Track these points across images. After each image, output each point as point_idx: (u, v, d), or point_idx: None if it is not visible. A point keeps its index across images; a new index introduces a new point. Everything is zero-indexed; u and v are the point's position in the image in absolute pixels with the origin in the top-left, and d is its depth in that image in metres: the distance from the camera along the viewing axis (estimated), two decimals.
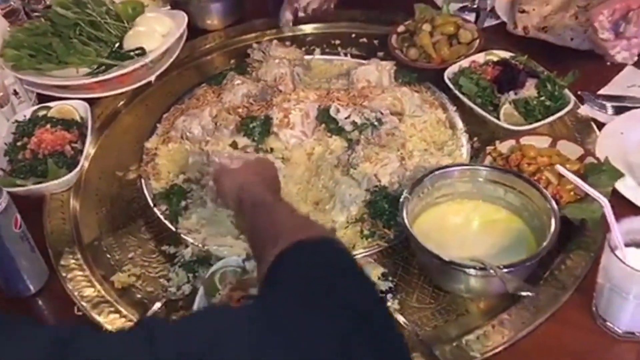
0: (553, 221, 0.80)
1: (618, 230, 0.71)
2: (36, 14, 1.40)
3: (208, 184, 0.92)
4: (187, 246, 0.92)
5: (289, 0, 1.31)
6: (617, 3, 1.01)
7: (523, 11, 1.24)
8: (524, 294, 0.77)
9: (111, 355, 0.49)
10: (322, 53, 1.28)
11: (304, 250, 0.59)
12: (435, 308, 0.83)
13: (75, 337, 0.49)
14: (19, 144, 1.05)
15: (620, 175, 0.89)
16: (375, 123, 1.01)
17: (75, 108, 1.12)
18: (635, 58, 1.04)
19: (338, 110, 1.01)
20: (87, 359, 0.48)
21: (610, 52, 1.03)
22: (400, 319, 0.80)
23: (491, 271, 0.75)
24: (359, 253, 0.89)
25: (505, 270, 0.75)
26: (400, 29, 1.25)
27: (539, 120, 1.02)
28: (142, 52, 1.21)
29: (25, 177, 1.00)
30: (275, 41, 1.27)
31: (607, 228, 0.72)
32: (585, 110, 1.07)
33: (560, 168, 0.83)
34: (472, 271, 0.77)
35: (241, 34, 1.37)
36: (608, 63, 1.10)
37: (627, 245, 0.72)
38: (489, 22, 1.31)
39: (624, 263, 0.69)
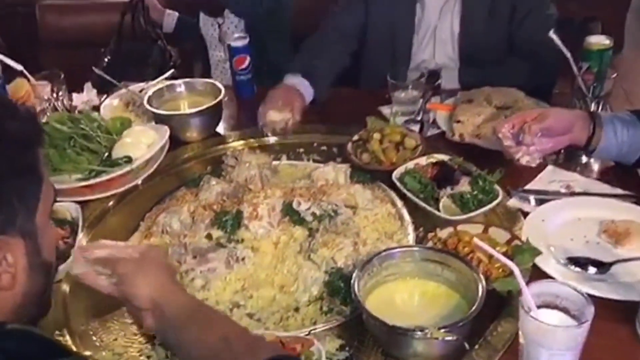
0: (480, 291, 0.94)
1: (528, 292, 0.85)
2: None
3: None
4: None
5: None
6: (515, 118, 1.23)
7: (459, 121, 1.45)
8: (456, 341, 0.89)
9: None
10: (288, 159, 1.46)
11: None
12: None
13: None
14: None
15: (538, 253, 1.05)
16: (332, 214, 1.17)
17: (68, 209, 1.27)
18: (538, 161, 1.23)
19: (300, 204, 1.17)
20: None
21: (515, 157, 1.22)
22: None
23: (430, 333, 0.88)
24: (320, 328, 1.01)
25: (441, 330, 0.88)
26: (355, 137, 1.44)
27: (473, 211, 1.20)
28: (128, 159, 1.38)
29: None
30: (246, 149, 1.45)
31: (520, 292, 0.87)
32: (512, 202, 1.25)
33: (476, 240, 0.99)
34: (415, 334, 0.90)
35: (217, 144, 1.55)
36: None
37: (539, 306, 0.87)
38: (432, 132, 1.52)
39: (533, 317, 0.82)
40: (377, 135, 1.40)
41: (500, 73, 1.59)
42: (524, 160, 1.21)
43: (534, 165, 1.23)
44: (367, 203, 1.24)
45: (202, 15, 2.16)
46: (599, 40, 1.46)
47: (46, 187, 0.77)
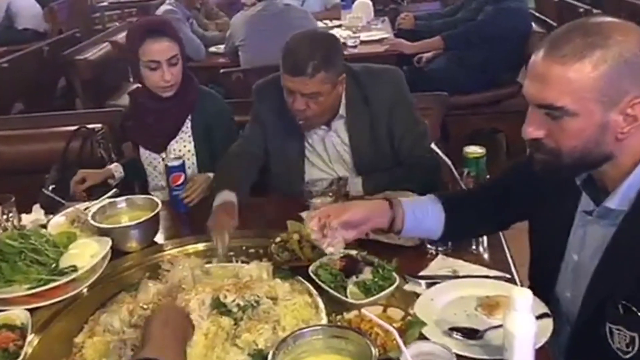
0: (373, 358, 1.14)
1: (407, 352, 1.06)
2: None
3: None
4: None
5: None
6: (320, 213, 1.46)
7: None
8: None
9: None
10: (219, 262, 1.66)
11: None
12: None
13: None
14: None
15: (424, 324, 1.27)
16: (255, 304, 1.35)
17: (18, 316, 1.41)
18: (341, 248, 1.46)
19: (226, 297, 1.36)
20: None
21: (322, 247, 1.45)
22: None
23: None
24: None
25: None
26: (277, 239, 1.66)
27: (374, 295, 1.42)
28: (74, 269, 1.54)
29: None
30: (181, 255, 1.65)
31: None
32: (408, 286, 1.47)
33: (364, 310, 1.20)
34: None
35: (155, 252, 1.73)
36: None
37: None
38: None
39: None
40: (296, 236, 1.63)
41: (393, 180, 1.87)
42: (328, 251, 1.44)
43: (337, 252, 1.48)
44: (287, 294, 1.44)
45: (142, 149, 2.25)
46: (474, 150, 1.77)
47: None
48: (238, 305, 1.36)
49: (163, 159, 2.14)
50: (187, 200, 1.92)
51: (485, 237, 1.66)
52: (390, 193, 1.80)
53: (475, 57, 3.66)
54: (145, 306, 1.40)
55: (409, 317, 1.32)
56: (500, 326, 1.27)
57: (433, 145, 1.71)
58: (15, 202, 1.88)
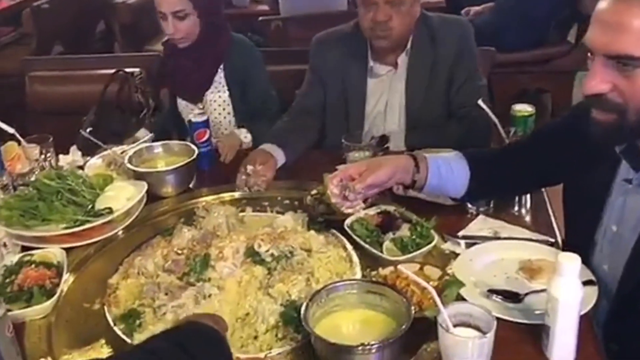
0: (410, 316, 1.11)
1: (445, 312, 1.03)
2: (21, 187, 1.73)
3: None
4: None
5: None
6: (341, 173, 1.42)
7: None
8: None
9: None
10: (253, 211, 1.64)
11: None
12: None
13: None
14: (7, 280, 1.33)
15: (461, 285, 1.23)
16: (289, 255, 1.34)
17: (54, 254, 1.42)
18: (360, 210, 1.44)
19: (260, 246, 1.34)
20: None
21: (342, 209, 1.42)
22: None
23: (365, 348, 1.04)
24: (275, 352, 1.16)
25: (375, 345, 1.04)
26: (313, 191, 1.63)
27: (411, 252, 1.38)
28: (109, 211, 1.55)
29: (13, 304, 1.26)
30: (216, 202, 1.63)
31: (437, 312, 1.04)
32: (446, 245, 1.43)
33: (401, 267, 1.17)
34: (355, 350, 1.06)
35: (189, 199, 1.72)
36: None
37: (456, 325, 1.04)
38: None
39: (449, 332, 0.99)
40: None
41: (440, 136, 1.81)
42: (347, 211, 1.42)
43: (355, 213, 1.45)
44: (321, 247, 1.41)
45: (179, 100, 2.24)
46: (523, 108, 1.70)
47: None
48: (272, 255, 1.34)
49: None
50: (221, 159, 1.91)
51: (528, 199, 1.60)
52: (429, 151, 1.75)
53: (525, 13, 3.50)
54: (179, 251, 1.40)
55: (447, 277, 1.28)
56: (542, 291, 1.23)
57: (480, 102, 1.63)
58: (53, 143, 1.89)
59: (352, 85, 2.00)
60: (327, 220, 1.53)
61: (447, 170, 1.43)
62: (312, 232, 1.45)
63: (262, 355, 1.15)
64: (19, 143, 1.85)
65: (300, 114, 2.01)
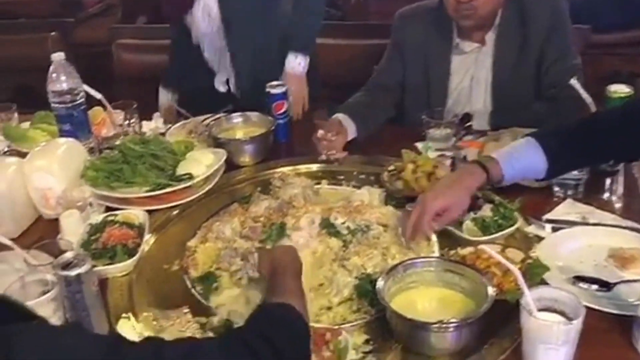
0: (490, 296, 1.07)
1: (530, 295, 0.98)
2: (106, 150, 1.79)
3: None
4: (215, 315, 1.20)
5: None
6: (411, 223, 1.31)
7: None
8: None
9: None
10: (329, 184, 1.63)
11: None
12: None
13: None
14: (92, 238, 1.38)
15: (546, 269, 1.18)
16: (365, 229, 1.32)
17: (137, 215, 1.46)
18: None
19: (336, 218, 1.33)
20: None
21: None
22: None
23: (441, 326, 1.02)
24: (349, 324, 1.15)
25: (453, 323, 1.01)
26: (391, 167, 1.60)
27: (493, 234, 1.33)
28: (190, 176, 1.57)
29: (97, 261, 1.30)
30: (292, 173, 1.63)
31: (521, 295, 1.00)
32: (530, 228, 1.37)
33: (483, 247, 1.12)
34: (431, 327, 1.03)
35: (266, 169, 1.73)
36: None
37: (539, 310, 0.99)
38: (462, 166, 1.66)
39: (533, 316, 0.95)
40: (411, 166, 1.56)
41: (527, 116, 1.73)
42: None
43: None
44: (398, 223, 1.38)
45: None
46: (619, 89, 1.59)
47: None
48: (348, 228, 1.33)
49: None
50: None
51: (620, 185, 1.51)
52: (517, 130, 1.67)
53: None
54: (256, 218, 1.41)
55: (530, 260, 1.23)
56: (635, 281, 1.16)
57: (573, 81, 1.54)
58: (138, 109, 1.94)
59: (436, 61, 1.94)
60: (404, 197, 1.50)
61: (522, 163, 1.35)
62: (390, 207, 1.42)
63: (335, 326, 1.13)
64: (105, 108, 1.91)
65: (377, 90, 1.97)
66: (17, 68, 2.80)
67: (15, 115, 2.05)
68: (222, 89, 2.22)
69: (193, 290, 1.28)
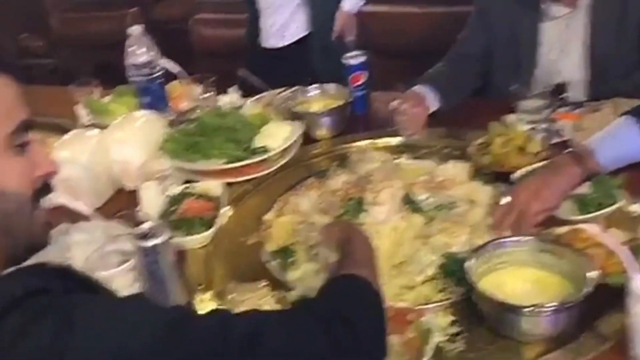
0: (591, 279, 0.97)
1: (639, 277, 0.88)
2: (184, 123, 1.79)
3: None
4: (293, 290, 1.16)
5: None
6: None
7: (582, 130, 1.47)
8: None
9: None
10: (410, 159, 1.55)
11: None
12: (493, 350, 1.00)
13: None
14: (170, 209, 1.37)
15: None
16: (450, 205, 1.24)
17: (214, 188, 1.44)
18: None
19: (419, 193, 1.26)
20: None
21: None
22: (469, 355, 0.98)
23: (536, 310, 0.93)
24: (433, 304, 1.08)
25: (550, 307, 0.93)
26: (478, 140, 1.50)
27: (592, 212, 1.21)
28: (266, 149, 1.54)
29: (174, 232, 1.29)
30: (370, 148, 1.56)
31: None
32: (635, 207, 1.24)
33: (584, 226, 1.02)
34: (524, 311, 0.95)
35: (343, 143, 1.67)
36: None
37: None
38: (556, 140, 1.54)
39: None
40: (499, 139, 1.45)
41: (628, 87, 1.57)
42: None
43: None
44: (487, 200, 1.29)
45: None
46: None
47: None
48: (432, 204, 1.26)
49: None
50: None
51: None
52: (619, 100, 1.53)
53: None
54: (334, 193, 1.35)
55: (636, 242, 1.11)
56: None
57: None
58: (214, 83, 1.93)
59: (523, 29, 1.80)
60: (492, 172, 1.40)
61: (619, 146, 1.25)
62: (478, 183, 1.33)
63: (418, 307, 1.07)
64: (182, 82, 1.91)
65: (460, 60, 1.85)
66: (98, 45, 2.87)
67: (97, 89, 2.08)
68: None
69: (270, 265, 1.25)
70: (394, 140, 1.63)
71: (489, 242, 1.10)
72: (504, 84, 1.71)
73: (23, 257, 0.76)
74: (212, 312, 0.85)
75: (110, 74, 2.17)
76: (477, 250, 1.08)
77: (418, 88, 1.68)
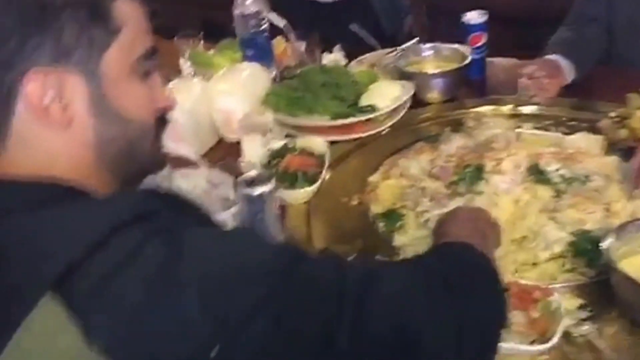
0: None
1: None
2: (288, 79, 1.73)
3: None
4: (399, 255, 1.07)
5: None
6: None
7: None
8: None
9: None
10: (533, 129, 1.41)
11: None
12: (633, 342, 0.87)
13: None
14: (272, 162, 1.32)
15: None
16: (583, 179, 1.10)
17: (317, 144, 1.37)
18: None
19: (548, 164, 1.13)
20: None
21: None
22: (600, 343, 0.87)
23: None
24: (559, 284, 0.97)
25: None
26: (613, 113, 1.34)
27: None
28: (372, 108, 1.45)
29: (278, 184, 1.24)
30: (490, 114, 1.44)
31: None
32: None
33: None
34: None
35: (455, 108, 1.55)
36: None
37: None
38: None
39: None
40: (639, 113, 1.29)
41: None
42: None
43: None
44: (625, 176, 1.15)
45: None
46: None
47: (131, 36, 0.69)
48: (562, 176, 1.13)
49: None
50: None
51: None
52: None
53: None
54: (448, 158, 1.25)
55: None
56: None
57: None
58: (320, 41, 1.85)
59: None
60: (629, 147, 1.24)
61: None
62: (615, 157, 1.18)
63: (543, 285, 0.95)
64: (288, 39, 1.84)
65: (583, 22, 1.67)
66: (204, 2, 2.85)
67: (201, 42, 2.06)
68: None
69: (376, 226, 1.17)
70: (513, 108, 1.49)
71: (629, 221, 0.97)
72: (635, 49, 1.53)
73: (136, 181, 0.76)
74: (326, 253, 0.80)
75: (216, 33, 2.14)
76: (615, 229, 0.94)
77: (553, 57, 1.53)
